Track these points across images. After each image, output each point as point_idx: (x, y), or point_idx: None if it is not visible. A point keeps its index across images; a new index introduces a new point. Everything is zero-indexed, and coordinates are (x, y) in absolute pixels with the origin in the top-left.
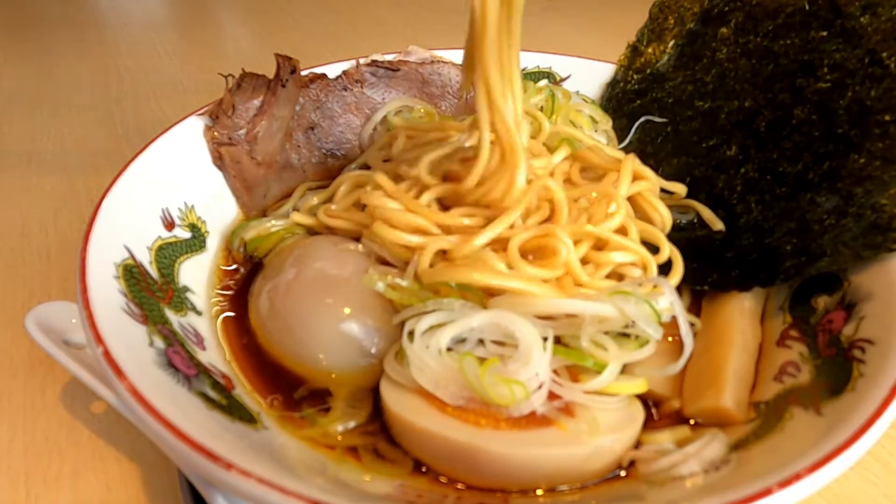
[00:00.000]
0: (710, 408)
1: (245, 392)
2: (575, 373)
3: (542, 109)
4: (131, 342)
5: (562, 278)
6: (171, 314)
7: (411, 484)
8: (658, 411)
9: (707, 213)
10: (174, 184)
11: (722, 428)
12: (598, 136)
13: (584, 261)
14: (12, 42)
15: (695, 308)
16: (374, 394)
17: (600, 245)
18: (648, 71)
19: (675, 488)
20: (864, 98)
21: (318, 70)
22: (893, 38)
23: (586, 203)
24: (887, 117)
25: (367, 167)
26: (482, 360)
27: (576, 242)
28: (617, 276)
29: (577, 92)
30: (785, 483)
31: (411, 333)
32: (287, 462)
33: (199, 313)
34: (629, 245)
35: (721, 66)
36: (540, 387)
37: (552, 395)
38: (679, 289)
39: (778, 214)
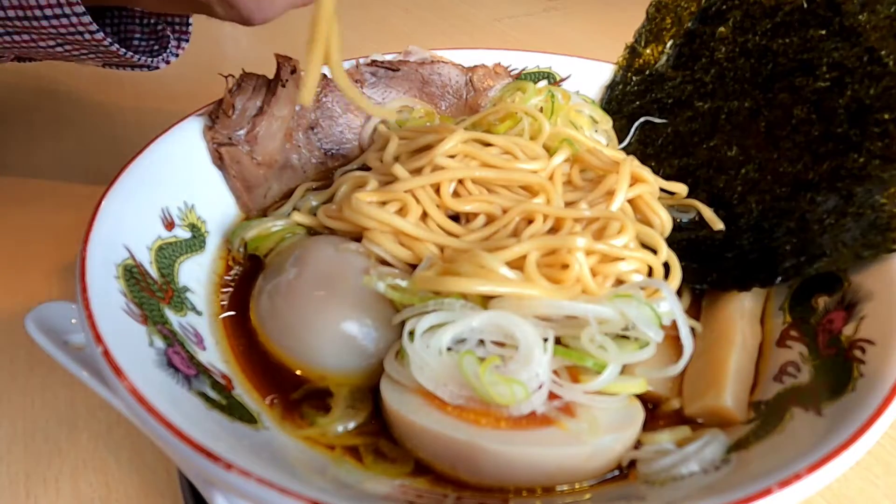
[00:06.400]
0: (710, 408)
1: (245, 392)
2: (575, 373)
3: (541, 110)
4: (131, 342)
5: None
6: (170, 314)
7: (411, 484)
8: (658, 411)
9: (708, 213)
10: (174, 184)
11: (722, 428)
12: (598, 136)
13: (592, 272)
14: None
15: (695, 308)
16: (375, 393)
17: (607, 258)
18: (647, 72)
19: (675, 488)
20: (864, 97)
21: None
22: (892, 36)
23: (587, 208)
24: (886, 116)
25: (366, 168)
26: (482, 360)
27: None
28: (618, 279)
29: (577, 92)
30: (785, 483)
31: (411, 333)
32: (287, 462)
33: (198, 313)
34: (637, 256)
35: (720, 66)
36: (540, 387)
37: (552, 395)
38: (679, 289)
39: (778, 214)
